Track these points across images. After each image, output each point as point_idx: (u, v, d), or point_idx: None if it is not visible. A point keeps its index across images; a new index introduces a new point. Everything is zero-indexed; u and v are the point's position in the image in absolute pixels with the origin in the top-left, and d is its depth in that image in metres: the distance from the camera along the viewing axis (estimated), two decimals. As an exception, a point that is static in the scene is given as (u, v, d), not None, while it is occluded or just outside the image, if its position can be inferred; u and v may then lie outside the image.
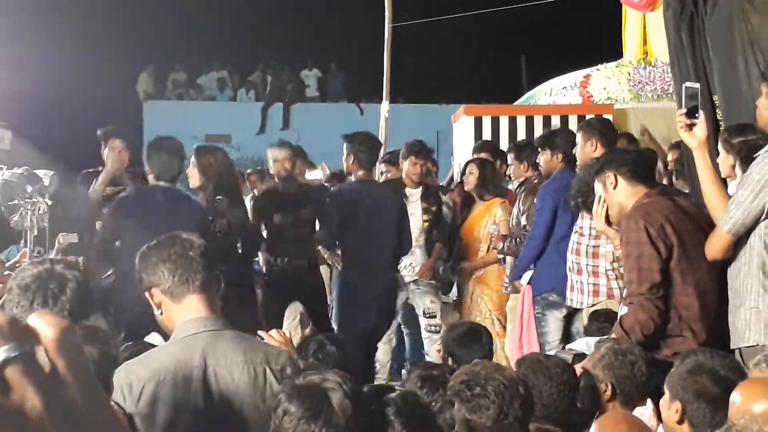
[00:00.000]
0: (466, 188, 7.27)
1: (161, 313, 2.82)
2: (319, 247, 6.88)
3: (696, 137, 4.07)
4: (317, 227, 6.76)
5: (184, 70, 26.11)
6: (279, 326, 6.94)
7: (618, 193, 4.19)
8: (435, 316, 7.30)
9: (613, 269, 5.56)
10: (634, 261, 4.01)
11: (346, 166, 6.72)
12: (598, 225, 4.40)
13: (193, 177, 6.10)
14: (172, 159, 5.70)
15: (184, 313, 2.77)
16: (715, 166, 4.68)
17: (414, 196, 7.22)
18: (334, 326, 6.57)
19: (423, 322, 7.34)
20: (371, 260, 6.48)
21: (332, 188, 7.06)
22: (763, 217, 3.80)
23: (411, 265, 7.24)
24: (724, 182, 4.42)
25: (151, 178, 5.76)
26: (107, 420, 0.97)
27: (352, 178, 6.86)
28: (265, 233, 6.76)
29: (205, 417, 2.67)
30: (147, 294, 2.83)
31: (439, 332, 7.13)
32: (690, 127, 4.08)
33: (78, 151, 9.89)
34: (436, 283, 7.47)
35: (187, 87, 26.03)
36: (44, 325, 0.91)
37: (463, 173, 7.49)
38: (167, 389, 2.65)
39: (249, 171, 10.59)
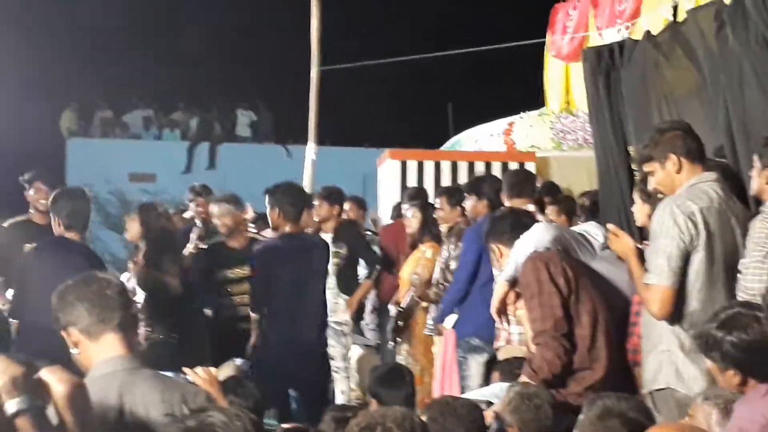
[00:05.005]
0: (408, 231, 7.38)
1: (78, 353, 2.82)
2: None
3: (627, 246, 4.19)
4: None
5: (110, 107, 25.80)
6: None
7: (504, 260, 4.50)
8: (333, 359, 7.25)
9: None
10: (536, 299, 4.13)
11: (271, 220, 6.31)
12: None
13: (132, 230, 6.89)
14: (81, 208, 5.78)
15: (101, 352, 2.78)
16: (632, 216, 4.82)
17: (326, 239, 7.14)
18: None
19: None
20: (296, 325, 6.13)
21: (256, 247, 6.66)
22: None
23: None
24: (642, 230, 4.57)
25: (60, 228, 5.69)
26: None
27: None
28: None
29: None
30: (63, 333, 2.83)
31: (338, 373, 7.38)
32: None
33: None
34: (345, 324, 7.58)
35: (112, 125, 25.70)
36: (56, 380, 0.94)
37: (396, 216, 7.55)
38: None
39: (173, 211, 10.41)
